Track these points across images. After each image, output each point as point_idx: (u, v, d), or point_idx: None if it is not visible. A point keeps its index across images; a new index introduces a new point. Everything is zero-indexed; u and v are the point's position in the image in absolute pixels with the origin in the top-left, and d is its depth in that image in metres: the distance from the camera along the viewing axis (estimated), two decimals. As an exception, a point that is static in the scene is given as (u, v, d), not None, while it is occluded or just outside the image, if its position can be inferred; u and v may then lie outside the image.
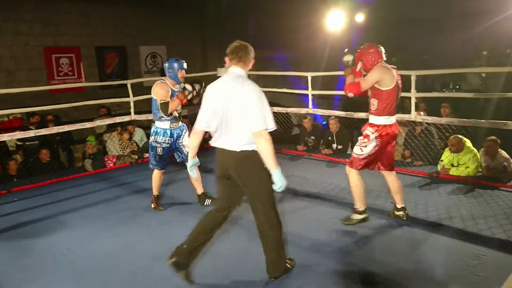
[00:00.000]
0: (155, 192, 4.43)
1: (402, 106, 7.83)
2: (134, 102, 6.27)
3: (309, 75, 6.20)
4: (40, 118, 7.18)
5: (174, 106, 3.97)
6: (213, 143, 2.82)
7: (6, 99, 6.79)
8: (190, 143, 2.98)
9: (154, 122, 4.28)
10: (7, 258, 3.49)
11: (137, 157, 6.56)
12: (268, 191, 2.71)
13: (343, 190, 4.79)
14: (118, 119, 6.26)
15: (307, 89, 6.27)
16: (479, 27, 9.15)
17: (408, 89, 5.30)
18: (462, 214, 3.96)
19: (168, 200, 4.70)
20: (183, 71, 4.08)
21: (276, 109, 7.11)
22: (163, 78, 4.18)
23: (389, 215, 3.96)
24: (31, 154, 6.70)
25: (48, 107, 6.02)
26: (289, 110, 6.85)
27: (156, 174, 4.35)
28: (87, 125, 5.90)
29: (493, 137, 4.94)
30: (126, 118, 6.28)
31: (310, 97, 6.27)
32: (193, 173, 3.09)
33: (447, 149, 5.24)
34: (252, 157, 2.66)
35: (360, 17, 9.00)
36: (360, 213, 3.79)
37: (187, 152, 4.03)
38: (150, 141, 4.27)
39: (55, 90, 7.66)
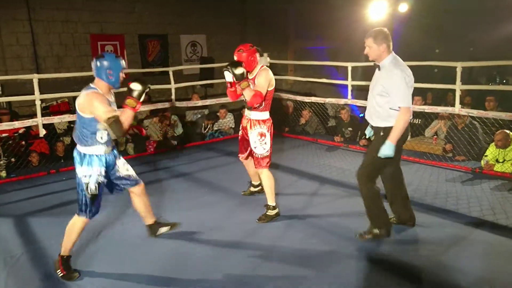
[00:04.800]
0: (67, 251, 3.02)
1: (445, 99, 7.61)
2: (174, 89, 6.46)
3: (349, 65, 6.13)
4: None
5: (129, 120, 2.80)
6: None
7: (55, 84, 7.13)
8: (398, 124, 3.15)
9: (78, 148, 2.93)
10: (58, 231, 3.68)
11: (176, 143, 6.75)
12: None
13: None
14: (160, 105, 6.47)
15: (346, 80, 6.21)
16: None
17: (452, 81, 5.15)
18: (506, 211, 3.84)
19: (208, 184, 4.84)
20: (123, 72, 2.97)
21: (314, 99, 7.09)
22: (91, 85, 2.86)
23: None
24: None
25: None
26: (327, 100, 6.80)
27: (81, 224, 3.00)
28: (130, 110, 6.11)
29: (543, 133, 4.73)
30: (167, 104, 6.50)
31: (349, 88, 6.20)
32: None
33: (492, 144, 5.06)
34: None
35: (404, 7, 8.72)
36: (273, 208, 3.81)
37: (129, 177, 3.19)
38: (78, 176, 2.92)
39: (100, 76, 7.95)
